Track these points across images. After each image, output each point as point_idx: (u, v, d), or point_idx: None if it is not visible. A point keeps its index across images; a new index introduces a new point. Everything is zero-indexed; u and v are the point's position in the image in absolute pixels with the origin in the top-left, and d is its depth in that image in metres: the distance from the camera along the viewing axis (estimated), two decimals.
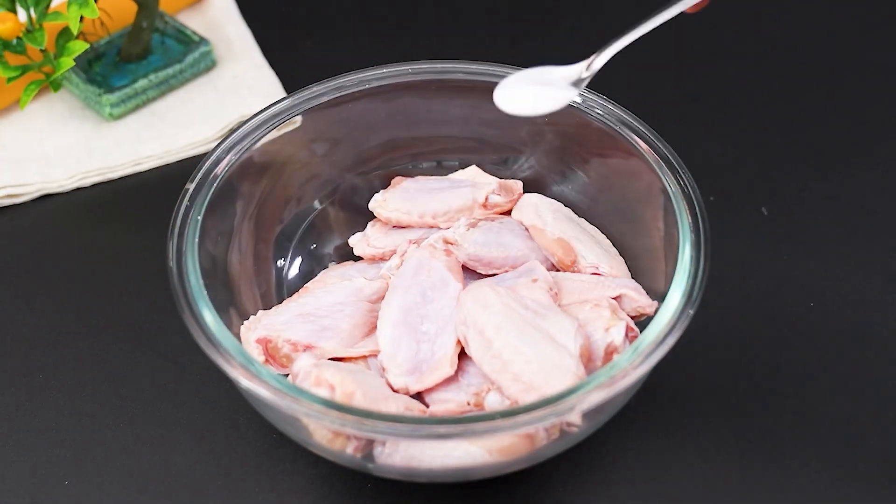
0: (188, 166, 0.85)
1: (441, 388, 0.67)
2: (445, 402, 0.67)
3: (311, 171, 0.79)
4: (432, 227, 0.76)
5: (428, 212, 0.76)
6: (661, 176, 0.70)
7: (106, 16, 0.94)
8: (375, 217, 0.78)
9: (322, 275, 0.76)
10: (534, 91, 0.70)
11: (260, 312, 0.71)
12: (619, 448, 0.72)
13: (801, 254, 0.83)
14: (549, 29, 1.02)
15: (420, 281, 0.70)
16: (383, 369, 0.68)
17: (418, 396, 0.68)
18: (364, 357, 0.69)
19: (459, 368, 0.67)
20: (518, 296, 0.68)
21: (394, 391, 0.67)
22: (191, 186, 0.71)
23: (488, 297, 0.67)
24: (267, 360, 0.69)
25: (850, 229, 0.84)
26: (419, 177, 0.79)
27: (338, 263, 0.78)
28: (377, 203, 0.77)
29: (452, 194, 0.76)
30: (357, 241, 0.77)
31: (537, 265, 0.72)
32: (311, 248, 0.79)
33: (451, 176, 0.80)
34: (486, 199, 0.76)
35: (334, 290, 0.72)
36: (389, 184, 0.79)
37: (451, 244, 0.73)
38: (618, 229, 0.76)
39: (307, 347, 0.69)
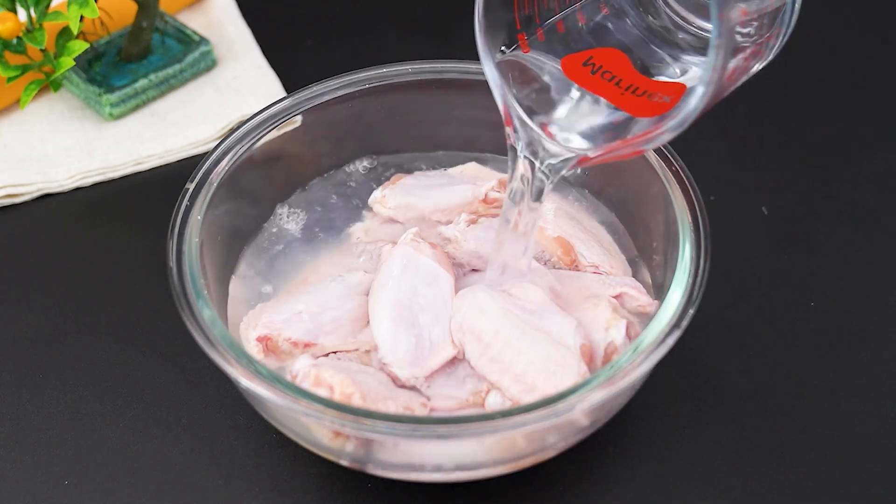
0: (188, 166, 0.85)
1: (443, 383, 0.67)
2: (447, 399, 0.66)
3: (312, 170, 0.79)
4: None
5: (427, 208, 0.76)
6: (661, 176, 0.70)
7: (106, 16, 0.94)
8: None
9: (319, 268, 0.75)
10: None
11: (259, 305, 0.71)
12: (619, 448, 0.72)
13: (801, 254, 0.83)
14: None
15: (409, 277, 0.70)
16: (384, 364, 0.68)
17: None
18: (367, 351, 0.69)
19: (461, 362, 0.67)
20: (514, 298, 0.68)
21: (399, 385, 0.67)
22: (191, 186, 0.71)
23: (484, 301, 0.67)
24: (267, 353, 0.68)
25: (851, 229, 0.84)
26: (418, 173, 0.79)
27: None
28: (377, 200, 0.77)
29: (452, 190, 0.76)
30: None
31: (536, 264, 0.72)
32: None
33: (449, 171, 0.80)
34: (486, 195, 0.76)
35: (332, 285, 0.72)
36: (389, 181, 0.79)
37: (450, 241, 0.73)
38: (618, 229, 0.76)
39: (307, 345, 0.69)
